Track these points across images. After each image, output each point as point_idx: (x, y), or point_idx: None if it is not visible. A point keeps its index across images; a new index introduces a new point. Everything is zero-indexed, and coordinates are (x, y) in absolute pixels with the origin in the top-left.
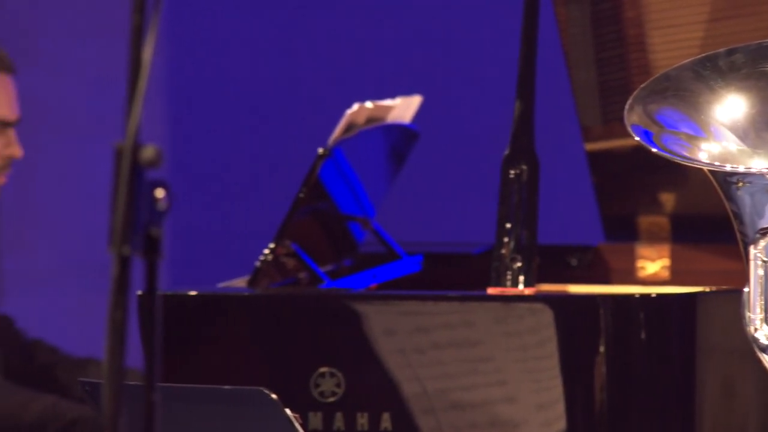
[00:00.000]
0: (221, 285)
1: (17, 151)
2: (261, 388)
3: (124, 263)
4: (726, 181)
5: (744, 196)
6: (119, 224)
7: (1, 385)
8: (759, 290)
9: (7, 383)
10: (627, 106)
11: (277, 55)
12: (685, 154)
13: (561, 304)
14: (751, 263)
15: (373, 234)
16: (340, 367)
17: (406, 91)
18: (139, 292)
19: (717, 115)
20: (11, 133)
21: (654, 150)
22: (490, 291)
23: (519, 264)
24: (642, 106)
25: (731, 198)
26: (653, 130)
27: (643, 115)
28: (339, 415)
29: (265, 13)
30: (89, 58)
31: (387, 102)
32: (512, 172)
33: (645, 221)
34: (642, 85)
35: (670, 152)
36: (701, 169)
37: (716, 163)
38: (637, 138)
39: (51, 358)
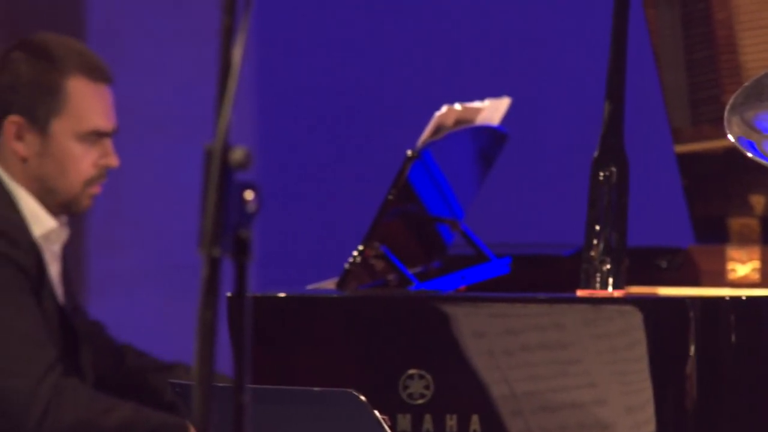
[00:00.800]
0: (310, 287)
1: (113, 161)
2: (350, 390)
3: (214, 264)
4: None
5: None
6: (209, 226)
7: (83, 393)
8: None
9: (90, 390)
10: (726, 119)
11: (365, 57)
12: None
13: (650, 306)
14: None
15: (462, 236)
16: (429, 368)
17: (495, 93)
18: (229, 294)
19: None
20: (108, 144)
21: (763, 162)
22: (580, 293)
23: (608, 266)
24: (739, 115)
25: None
26: (754, 138)
27: (742, 124)
28: (428, 417)
29: (354, 15)
30: (179, 60)
31: (476, 104)
32: (602, 173)
33: (735, 223)
34: (736, 93)
35: None
36: None
37: None
38: (749, 154)
39: (140, 362)
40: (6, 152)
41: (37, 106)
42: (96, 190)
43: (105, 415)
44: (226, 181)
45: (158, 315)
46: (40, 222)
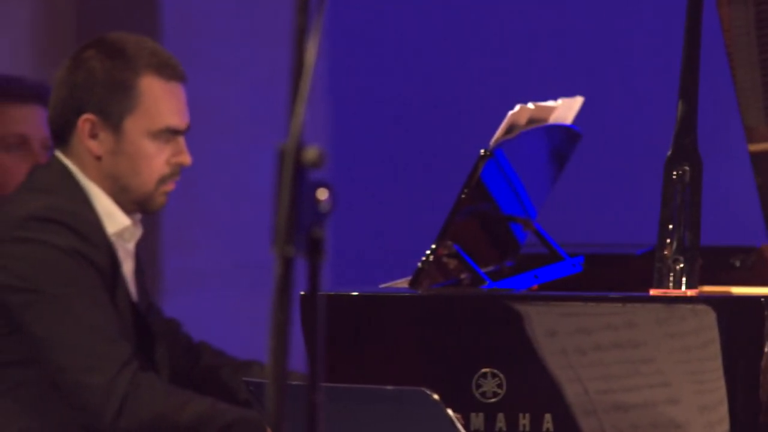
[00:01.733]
0: (383, 285)
1: (186, 159)
2: (423, 389)
3: (287, 263)
4: None
5: None
6: (282, 225)
7: (159, 387)
8: None
9: (165, 384)
10: None
11: (438, 56)
12: None
13: (724, 305)
14: None
15: (535, 235)
16: (502, 367)
17: (568, 92)
18: (302, 293)
19: None
20: (181, 142)
21: None
22: (653, 292)
23: (682, 265)
24: None
25: None
26: None
27: None
28: (500, 416)
29: (426, 14)
30: (252, 60)
31: (549, 103)
32: (675, 172)
33: None
34: None
35: None
36: None
37: None
38: None
39: (215, 360)
40: (80, 150)
41: (111, 104)
42: (170, 187)
43: (181, 410)
44: (299, 181)
45: (231, 314)
46: (114, 220)
